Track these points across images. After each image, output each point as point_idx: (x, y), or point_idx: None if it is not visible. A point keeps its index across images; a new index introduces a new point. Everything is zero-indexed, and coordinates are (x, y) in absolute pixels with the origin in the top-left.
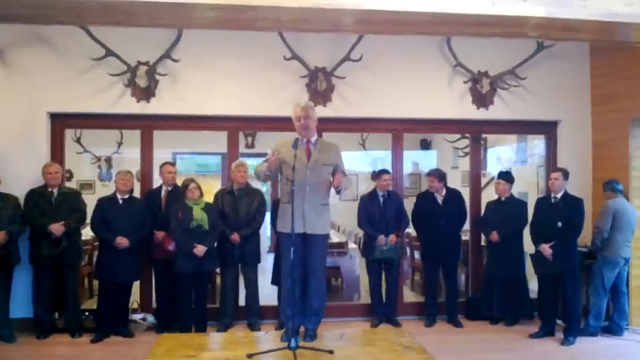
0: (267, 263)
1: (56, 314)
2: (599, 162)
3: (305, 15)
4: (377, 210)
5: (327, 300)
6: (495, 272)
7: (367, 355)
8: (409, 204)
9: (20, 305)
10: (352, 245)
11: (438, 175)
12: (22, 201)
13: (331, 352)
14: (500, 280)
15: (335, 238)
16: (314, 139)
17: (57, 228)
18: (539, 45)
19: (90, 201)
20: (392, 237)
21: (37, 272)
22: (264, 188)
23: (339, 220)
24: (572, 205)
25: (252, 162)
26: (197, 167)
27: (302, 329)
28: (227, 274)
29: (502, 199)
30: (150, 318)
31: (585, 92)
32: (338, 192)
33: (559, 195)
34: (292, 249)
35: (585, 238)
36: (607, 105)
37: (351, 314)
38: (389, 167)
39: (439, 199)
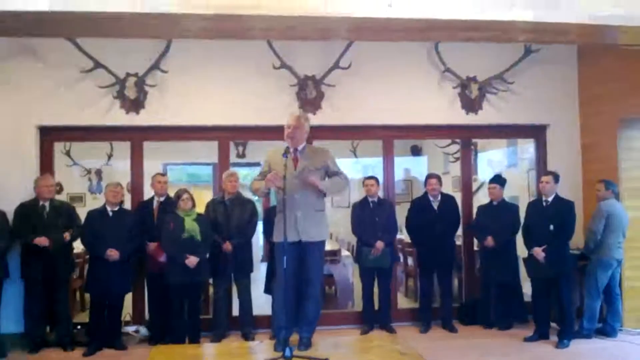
0: (260, 272)
1: (47, 328)
2: (589, 164)
3: (294, 24)
4: (368, 217)
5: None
6: (490, 277)
7: None
8: (401, 211)
9: (11, 320)
10: (345, 253)
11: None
12: (9, 216)
13: None
14: (496, 285)
15: (328, 246)
16: (300, 147)
17: (41, 241)
18: (527, 49)
19: (81, 214)
20: (380, 245)
21: (28, 286)
22: (256, 197)
23: (332, 227)
24: (563, 209)
25: (243, 172)
26: (188, 177)
27: (296, 337)
28: (220, 284)
29: (494, 203)
30: (143, 330)
31: (574, 95)
32: (325, 194)
33: (550, 199)
34: (284, 257)
35: (577, 240)
36: (595, 107)
37: (345, 322)
38: (379, 174)
39: (435, 205)
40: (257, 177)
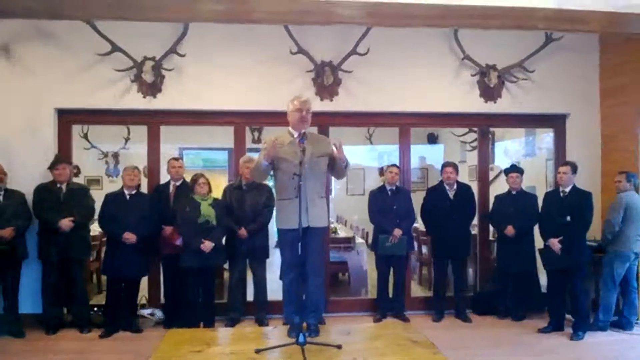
0: (275, 258)
1: (65, 310)
2: (609, 156)
3: (310, 8)
4: (386, 204)
5: (331, 295)
6: (507, 266)
7: (375, 350)
8: (416, 199)
9: (30, 301)
10: (359, 240)
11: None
12: (28, 197)
13: (339, 347)
14: (513, 275)
15: (342, 233)
16: (304, 132)
17: (66, 224)
18: (548, 37)
19: (98, 197)
20: (398, 232)
21: (45, 267)
22: (271, 183)
23: (346, 215)
24: (580, 200)
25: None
26: (204, 162)
27: (304, 324)
28: (235, 269)
29: (513, 192)
30: (159, 313)
31: (594, 85)
32: (345, 166)
33: (567, 189)
34: (299, 243)
35: (594, 232)
36: (616, 98)
37: (358, 309)
38: (396, 162)
39: (450, 194)
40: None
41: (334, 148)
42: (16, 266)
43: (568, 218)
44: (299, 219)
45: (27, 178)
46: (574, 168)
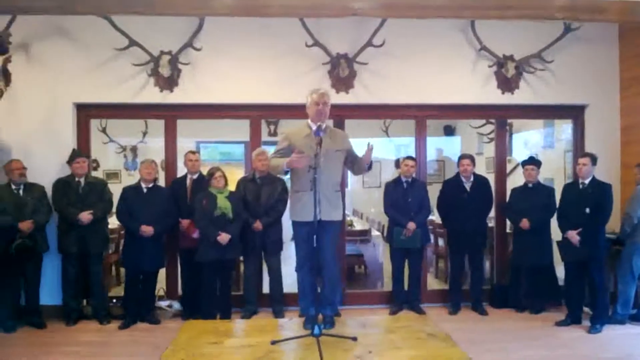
0: (291, 250)
1: (84, 302)
2: (628, 147)
3: (324, 1)
4: (401, 197)
5: (348, 287)
6: (523, 259)
7: (390, 342)
8: (432, 191)
9: (50, 293)
10: (375, 233)
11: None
12: (48, 191)
13: (354, 339)
14: (529, 268)
15: (358, 225)
16: (324, 125)
17: (85, 217)
18: (566, 27)
19: (116, 190)
20: (412, 226)
21: (65, 260)
22: (287, 176)
23: (362, 207)
24: (600, 191)
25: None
26: (221, 156)
27: (320, 316)
28: (250, 262)
29: (530, 185)
30: (176, 305)
31: (614, 75)
32: (369, 168)
33: (586, 181)
34: (314, 236)
35: (613, 224)
36: (636, 88)
37: (374, 302)
38: (412, 154)
39: (467, 186)
40: (274, 155)
41: (366, 148)
42: (37, 259)
43: (587, 210)
44: (314, 211)
45: (46, 172)
46: (594, 160)
